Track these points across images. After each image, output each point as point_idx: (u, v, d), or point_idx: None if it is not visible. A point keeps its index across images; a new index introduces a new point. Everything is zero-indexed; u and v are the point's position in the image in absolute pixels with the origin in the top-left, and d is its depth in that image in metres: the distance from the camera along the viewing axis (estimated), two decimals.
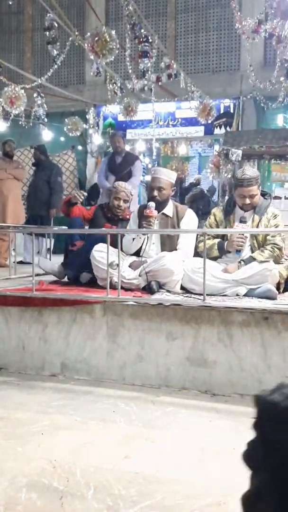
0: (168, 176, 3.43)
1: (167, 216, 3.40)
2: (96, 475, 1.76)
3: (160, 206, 3.36)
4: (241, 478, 1.84)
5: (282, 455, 0.55)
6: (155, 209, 3.27)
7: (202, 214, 7.95)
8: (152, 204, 3.27)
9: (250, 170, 3.27)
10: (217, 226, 3.33)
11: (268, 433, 0.57)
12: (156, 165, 12.08)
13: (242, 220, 3.17)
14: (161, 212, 3.39)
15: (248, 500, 0.60)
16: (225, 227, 3.27)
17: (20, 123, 8.02)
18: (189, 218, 3.42)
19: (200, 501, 1.61)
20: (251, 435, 2.08)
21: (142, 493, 1.65)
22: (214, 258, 3.23)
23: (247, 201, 3.20)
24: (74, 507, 1.56)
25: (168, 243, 3.33)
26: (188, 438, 2.09)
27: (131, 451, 1.95)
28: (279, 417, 0.56)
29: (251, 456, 0.62)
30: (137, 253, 3.40)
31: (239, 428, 2.19)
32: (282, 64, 5.77)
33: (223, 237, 3.27)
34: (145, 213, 3.26)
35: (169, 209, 3.41)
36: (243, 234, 3.13)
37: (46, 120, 8.12)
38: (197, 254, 3.30)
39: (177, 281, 3.10)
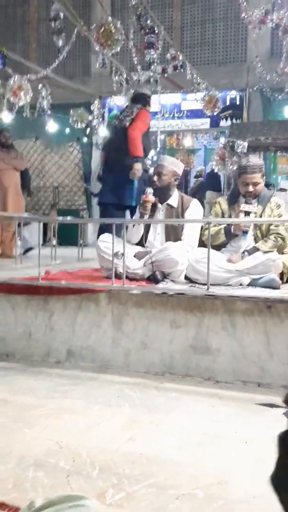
0: (171, 164, 3.45)
1: (171, 206, 3.42)
2: (101, 455, 1.81)
3: (164, 196, 3.38)
4: (242, 460, 1.89)
5: None
6: (160, 198, 3.30)
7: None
8: (149, 190, 3.32)
9: (255, 158, 3.31)
10: (223, 215, 3.35)
11: None
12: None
13: (248, 202, 3.19)
14: (166, 202, 3.42)
15: None
16: (230, 216, 3.30)
17: (24, 114, 8.02)
18: (194, 209, 3.43)
19: (201, 480, 1.65)
20: (253, 420, 2.11)
21: (146, 473, 1.70)
22: (219, 246, 3.25)
23: (250, 188, 3.21)
24: (80, 485, 1.61)
25: (173, 234, 3.36)
26: (191, 422, 2.14)
27: (135, 434, 2.00)
28: None
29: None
30: (142, 243, 3.43)
31: (241, 413, 2.23)
32: None
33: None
34: (142, 199, 3.32)
35: (174, 200, 3.43)
36: (249, 215, 3.15)
37: (50, 112, 8.12)
38: (202, 242, 3.32)
39: (181, 271, 3.13)
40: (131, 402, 2.34)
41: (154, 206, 3.42)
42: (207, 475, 1.69)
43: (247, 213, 3.14)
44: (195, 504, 1.52)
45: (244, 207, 3.17)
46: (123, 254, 2.91)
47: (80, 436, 1.98)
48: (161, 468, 1.73)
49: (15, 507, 1.49)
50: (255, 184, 3.22)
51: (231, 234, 3.24)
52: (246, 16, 5.30)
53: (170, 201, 3.42)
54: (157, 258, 3.14)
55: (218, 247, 3.25)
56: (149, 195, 3.29)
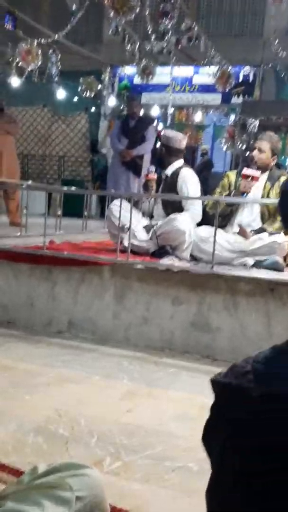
0: (164, 136, 3.52)
1: (167, 176, 3.46)
2: (100, 425, 1.85)
3: (162, 166, 3.51)
4: None
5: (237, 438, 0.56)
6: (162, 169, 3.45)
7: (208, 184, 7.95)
8: (151, 169, 3.46)
9: (271, 132, 3.44)
10: (229, 187, 3.35)
11: (225, 415, 0.58)
12: None
13: (250, 166, 3.25)
14: (164, 172, 3.50)
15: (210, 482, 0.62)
16: (236, 187, 3.30)
17: (33, 80, 7.84)
18: (183, 178, 3.42)
19: (197, 454, 1.69)
20: None
21: (143, 444, 1.74)
22: (224, 218, 3.24)
23: (255, 153, 3.29)
24: (78, 452, 1.66)
25: (170, 203, 3.38)
26: (188, 397, 2.18)
27: (134, 406, 2.04)
28: (233, 397, 0.57)
29: (208, 439, 0.64)
30: (151, 216, 3.47)
31: None
32: None
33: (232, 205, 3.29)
34: (144, 178, 3.50)
35: (169, 170, 3.47)
36: (250, 178, 3.15)
37: (59, 78, 7.93)
38: (206, 216, 3.31)
39: (188, 244, 3.11)
40: (130, 375, 2.37)
41: (159, 179, 3.48)
42: (202, 449, 1.72)
43: (247, 177, 3.18)
44: (189, 477, 1.56)
45: (245, 171, 3.24)
46: (129, 229, 2.90)
47: (79, 405, 2.01)
48: (158, 440, 1.77)
49: (15, 469, 1.53)
50: (260, 151, 3.26)
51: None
52: None
53: (166, 171, 3.48)
54: (164, 230, 3.14)
55: (222, 221, 3.24)
56: (150, 174, 3.41)
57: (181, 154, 3.48)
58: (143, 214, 3.44)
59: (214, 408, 0.62)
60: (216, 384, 0.61)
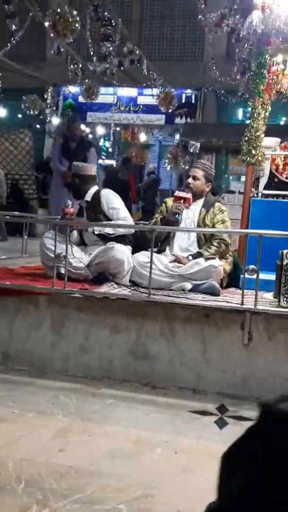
0: (77, 167, 3.58)
1: (88, 201, 3.47)
2: (29, 468, 1.78)
3: (78, 196, 3.51)
4: (170, 471, 1.91)
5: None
6: (80, 198, 3.46)
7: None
8: (69, 202, 3.43)
9: (205, 161, 3.59)
10: (166, 212, 3.42)
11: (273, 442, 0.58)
12: (116, 150, 12.00)
13: (182, 189, 3.45)
14: (84, 199, 3.48)
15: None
16: None
17: None
18: (106, 197, 3.44)
19: (129, 494, 1.66)
20: (185, 428, 2.14)
21: (73, 486, 1.68)
22: (162, 241, 3.29)
23: (190, 179, 3.47)
24: (2, 501, 1.58)
25: (96, 221, 3.38)
26: (124, 431, 2.15)
27: (67, 445, 1.98)
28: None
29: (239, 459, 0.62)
30: (84, 243, 3.43)
31: (174, 421, 2.27)
32: (240, 62, 5.85)
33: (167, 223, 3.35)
34: (62, 212, 3.43)
35: (88, 195, 3.46)
36: (182, 200, 3.29)
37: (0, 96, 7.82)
38: (146, 243, 3.33)
39: (127, 271, 3.12)
40: (66, 409, 2.31)
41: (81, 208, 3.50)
42: (134, 488, 1.70)
43: (179, 199, 3.34)
44: None
45: (177, 193, 3.44)
46: (65, 257, 2.86)
47: (8, 446, 1.93)
48: (89, 481, 1.72)
49: None
50: (194, 178, 3.43)
51: (166, 221, 3.32)
52: (202, 18, 5.33)
53: (86, 198, 3.47)
54: (101, 260, 3.12)
55: (161, 246, 3.29)
56: (67, 208, 3.38)
57: (95, 181, 3.55)
58: (75, 245, 3.38)
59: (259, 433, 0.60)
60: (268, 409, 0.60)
